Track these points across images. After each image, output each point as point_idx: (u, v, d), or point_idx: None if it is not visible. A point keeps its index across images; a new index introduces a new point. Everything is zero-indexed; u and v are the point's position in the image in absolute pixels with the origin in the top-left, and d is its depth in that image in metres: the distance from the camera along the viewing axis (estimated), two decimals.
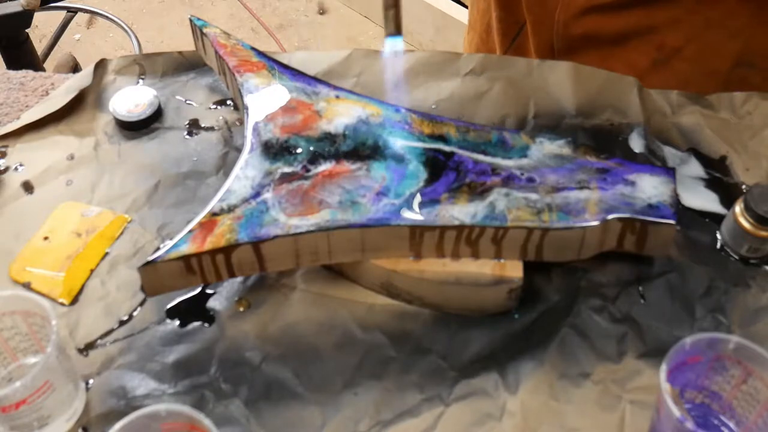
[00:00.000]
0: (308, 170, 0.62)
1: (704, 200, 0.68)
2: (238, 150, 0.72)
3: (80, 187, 0.71)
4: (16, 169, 0.72)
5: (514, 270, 0.60)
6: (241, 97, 0.68)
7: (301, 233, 0.58)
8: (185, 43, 1.70)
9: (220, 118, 0.76)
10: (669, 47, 0.79)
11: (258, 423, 0.56)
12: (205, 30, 0.74)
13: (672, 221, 0.59)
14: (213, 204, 0.59)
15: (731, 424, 0.54)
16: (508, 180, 0.62)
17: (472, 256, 0.60)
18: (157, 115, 0.76)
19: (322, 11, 2.35)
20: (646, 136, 0.73)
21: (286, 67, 0.71)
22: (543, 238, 0.59)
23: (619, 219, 0.59)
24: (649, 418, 0.54)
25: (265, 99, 0.67)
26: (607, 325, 0.61)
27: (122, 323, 0.62)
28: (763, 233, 0.62)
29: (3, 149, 0.74)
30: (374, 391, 0.58)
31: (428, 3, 2.07)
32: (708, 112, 0.75)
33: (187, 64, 0.81)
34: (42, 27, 2.17)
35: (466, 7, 1.03)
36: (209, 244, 0.57)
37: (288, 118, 0.66)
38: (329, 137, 0.64)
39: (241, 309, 0.62)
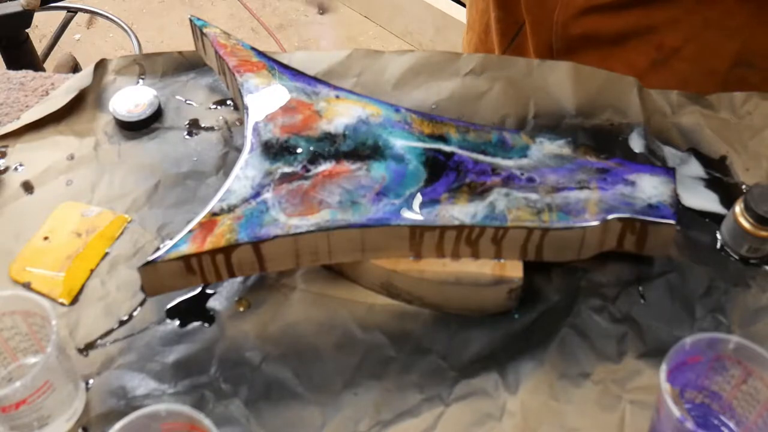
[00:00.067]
0: (308, 170, 0.62)
1: (704, 200, 0.68)
2: (238, 150, 0.72)
3: (80, 187, 0.71)
4: (16, 169, 0.72)
5: (514, 270, 0.60)
6: (241, 97, 0.68)
7: (301, 233, 0.58)
8: (185, 43, 1.70)
9: (220, 118, 0.76)
10: (668, 47, 0.79)
11: (258, 423, 0.56)
12: (205, 30, 0.74)
13: (672, 221, 0.59)
14: (213, 204, 0.59)
15: (731, 424, 0.54)
16: (508, 180, 0.62)
17: (472, 256, 0.60)
18: (157, 115, 0.76)
19: (322, 11, 2.35)
20: (646, 136, 0.73)
21: (286, 67, 0.71)
22: (543, 238, 0.59)
23: (619, 219, 0.59)
24: (649, 418, 0.54)
25: (265, 99, 0.67)
26: (607, 325, 0.61)
27: (122, 323, 0.62)
28: (763, 233, 0.62)
29: (3, 149, 0.74)
30: (374, 391, 0.58)
31: (428, 3, 2.07)
32: (708, 112, 0.75)
33: (187, 64, 0.81)
34: (42, 27, 2.17)
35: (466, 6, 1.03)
36: (209, 244, 0.57)
37: (288, 118, 0.66)
38: (329, 137, 0.64)
39: (241, 309, 0.62)
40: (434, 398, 0.57)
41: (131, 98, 0.76)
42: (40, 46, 1.63)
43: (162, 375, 0.59)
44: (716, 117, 0.74)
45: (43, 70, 1.50)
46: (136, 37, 1.77)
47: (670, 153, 0.72)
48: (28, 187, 0.71)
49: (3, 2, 1.30)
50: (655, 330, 0.60)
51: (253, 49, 0.73)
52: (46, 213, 0.68)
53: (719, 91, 0.76)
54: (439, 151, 0.64)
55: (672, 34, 0.79)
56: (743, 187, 0.69)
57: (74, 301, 0.63)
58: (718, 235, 0.66)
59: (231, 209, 0.59)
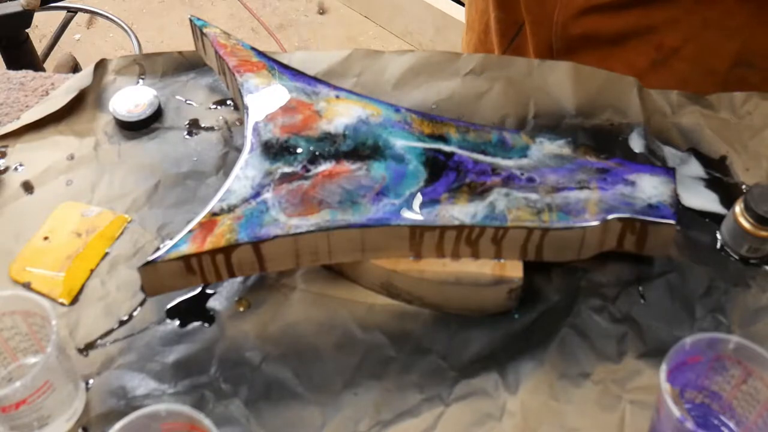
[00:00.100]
0: (308, 170, 0.62)
1: (704, 200, 0.68)
2: (238, 150, 0.72)
3: (80, 187, 0.71)
4: (16, 169, 0.72)
5: (514, 270, 0.60)
6: (241, 97, 0.68)
7: (301, 233, 0.58)
8: (185, 43, 1.70)
9: (220, 118, 0.76)
10: (668, 47, 0.79)
11: (258, 423, 0.56)
12: (205, 30, 0.74)
13: (672, 221, 0.59)
14: (213, 204, 0.59)
15: (731, 424, 0.54)
16: (508, 180, 0.62)
17: (472, 256, 0.60)
18: (157, 115, 0.76)
19: (322, 11, 2.35)
20: (646, 136, 0.73)
21: (286, 67, 0.71)
22: (543, 238, 0.59)
23: (619, 219, 0.59)
24: (649, 418, 0.54)
25: (265, 99, 0.67)
26: (607, 325, 0.61)
27: (122, 323, 0.62)
28: (763, 233, 0.62)
29: (3, 149, 0.74)
30: (374, 391, 0.58)
31: (428, 3, 2.07)
32: (708, 112, 0.75)
33: (187, 64, 0.81)
34: (42, 27, 2.17)
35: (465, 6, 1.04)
36: (209, 244, 0.57)
37: (288, 118, 0.66)
38: (329, 137, 0.64)
39: (241, 309, 0.62)
40: (434, 398, 0.57)
41: (131, 98, 0.76)
42: (40, 46, 1.63)
43: (162, 375, 0.59)
44: (716, 117, 0.74)
45: (43, 70, 1.50)
46: (136, 37, 1.77)
47: (670, 153, 0.72)
48: (28, 187, 0.71)
49: (3, 2, 1.30)
50: (655, 330, 0.60)
51: (253, 49, 0.73)
52: (46, 213, 0.68)
53: (719, 91, 0.76)
54: (439, 151, 0.64)
55: (672, 34, 0.79)
56: (743, 187, 0.69)
57: (74, 301, 0.63)
58: (718, 235, 0.66)
59: (231, 209, 0.59)
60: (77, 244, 0.66)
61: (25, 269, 0.65)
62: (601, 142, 0.73)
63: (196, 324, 0.62)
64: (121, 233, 0.67)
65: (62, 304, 0.63)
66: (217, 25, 0.76)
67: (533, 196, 0.60)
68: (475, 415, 0.56)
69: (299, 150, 0.63)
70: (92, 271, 0.65)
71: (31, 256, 0.65)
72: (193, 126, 0.76)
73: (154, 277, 0.57)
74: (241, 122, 0.75)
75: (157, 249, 0.59)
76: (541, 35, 0.85)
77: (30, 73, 0.84)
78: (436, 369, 0.59)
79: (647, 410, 0.55)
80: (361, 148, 0.64)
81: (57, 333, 0.52)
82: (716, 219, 0.67)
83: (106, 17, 1.88)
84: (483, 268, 0.60)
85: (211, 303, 0.63)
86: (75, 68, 1.63)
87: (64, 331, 0.61)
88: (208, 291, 0.63)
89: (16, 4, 1.27)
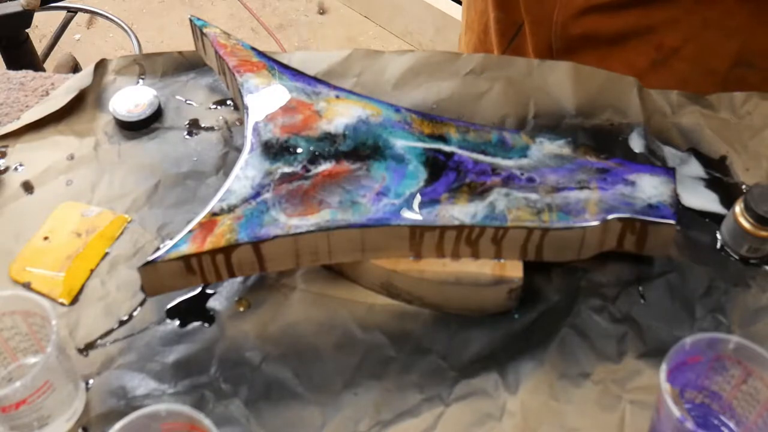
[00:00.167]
0: (308, 170, 0.62)
1: (704, 200, 0.68)
2: (238, 150, 0.72)
3: (80, 187, 0.71)
4: (16, 169, 0.72)
5: (514, 270, 0.60)
6: (241, 97, 0.68)
7: (301, 233, 0.58)
8: (185, 43, 1.70)
9: (220, 118, 0.76)
10: (667, 47, 0.79)
11: (258, 423, 0.56)
12: (205, 30, 0.74)
13: (672, 221, 0.59)
14: (213, 204, 0.59)
15: (731, 424, 0.54)
16: (508, 180, 0.62)
17: (472, 256, 0.60)
18: (157, 115, 0.76)
19: (322, 11, 2.35)
20: (646, 136, 0.73)
21: (286, 67, 0.71)
22: (543, 238, 0.59)
23: (619, 219, 0.59)
24: (649, 418, 0.54)
25: (265, 99, 0.67)
26: (607, 325, 0.61)
27: (122, 323, 0.62)
28: (763, 233, 0.62)
29: (3, 149, 0.74)
30: (374, 391, 0.58)
31: (428, 3, 2.07)
32: (708, 112, 0.75)
33: (187, 64, 0.81)
34: (42, 27, 2.17)
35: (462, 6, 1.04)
36: (209, 244, 0.57)
37: (288, 118, 0.66)
38: (329, 137, 0.64)
39: (241, 309, 0.62)
40: (434, 398, 0.57)
41: (131, 98, 0.76)
42: (40, 46, 1.63)
43: (162, 375, 0.59)
44: (716, 117, 0.74)
45: (43, 70, 1.50)
46: (136, 37, 1.77)
47: (670, 153, 0.72)
48: (28, 187, 0.71)
49: (3, 2, 1.30)
50: (655, 330, 0.60)
51: (253, 49, 0.73)
52: (46, 213, 0.68)
53: (719, 91, 0.76)
54: (439, 151, 0.64)
55: (671, 34, 0.79)
56: (743, 187, 0.69)
57: (74, 301, 0.63)
58: (718, 235, 0.66)
59: (231, 209, 0.59)
60: (77, 244, 0.66)
61: (25, 269, 0.65)
62: (601, 142, 0.73)
63: (196, 324, 0.62)
64: (121, 233, 0.67)
65: (62, 304, 0.63)
66: (217, 25, 0.76)
67: (533, 196, 0.60)
68: (475, 415, 0.56)
69: (299, 150, 0.63)
70: (92, 271, 0.65)
71: (31, 256, 0.65)
72: (193, 126, 0.76)
73: (154, 277, 0.57)
74: (241, 122, 0.75)
75: (157, 249, 0.59)
76: (540, 35, 0.85)
77: (30, 73, 0.84)
78: (436, 369, 0.59)
79: (647, 410, 0.55)
80: (361, 148, 0.64)
81: (57, 333, 0.52)
82: (716, 219, 0.67)
83: (106, 17, 1.88)
84: (483, 268, 0.60)
85: (211, 303, 0.63)
86: (75, 68, 1.63)
87: (64, 331, 0.61)
88: (208, 291, 0.63)
89: (16, 4, 1.27)
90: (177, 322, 0.62)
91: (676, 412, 0.47)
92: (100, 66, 0.80)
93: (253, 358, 0.59)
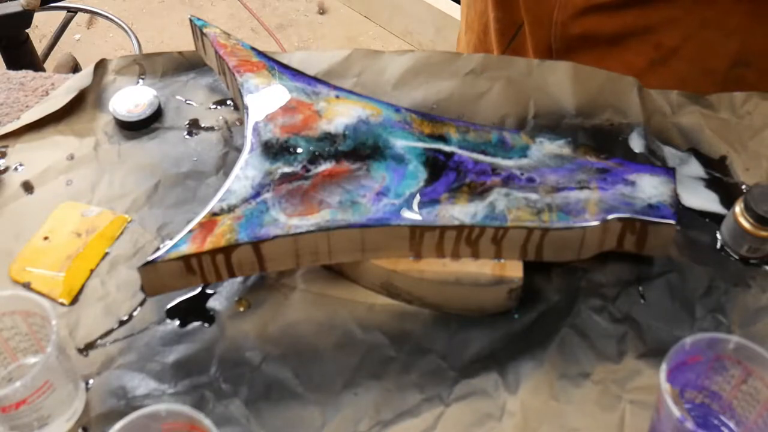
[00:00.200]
0: (308, 170, 0.62)
1: (704, 200, 0.68)
2: (238, 150, 0.72)
3: (80, 187, 0.71)
4: (16, 169, 0.72)
5: (514, 270, 0.60)
6: (241, 97, 0.68)
7: (301, 233, 0.58)
8: (185, 43, 1.70)
9: (220, 118, 0.76)
10: (666, 47, 0.79)
11: (258, 423, 0.56)
12: (205, 30, 0.74)
13: (672, 221, 0.59)
14: (213, 204, 0.59)
15: (731, 424, 0.54)
16: (508, 180, 0.62)
17: (472, 256, 0.60)
18: (157, 115, 0.76)
19: (322, 11, 2.35)
20: (646, 136, 0.73)
21: (286, 67, 0.71)
22: (543, 238, 0.59)
23: (619, 219, 0.59)
24: (649, 418, 0.54)
25: (265, 99, 0.67)
26: (607, 325, 0.61)
27: (122, 323, 0.62)
28: (763, 233, 0.62)
29: (3, 149, 0.74)
30: (374, 391, 0.58)
31: (428, 3, 2.07)
32: (708, 112, 0.75)
33: (187, 64, 0.81)
34: (42, 27, 2.17)
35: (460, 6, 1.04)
36: (209, 244, 0.57)
37: (288, 118, 0.66)
38: (329, 137, 0.64)
39: (241, 309, 0.62)
40: (434, 398, 0.57)
41: (131, 98, 0.76)
42: (40, 46, 1.63)
43: (162, 375, 0.59)
44: (716, 117, 0.74)
45: (43, 70, 1.50)
46: (136, 37, 1.77)
47: (670, 153, 0.72)
48: (28, 187, 0.71)
49: (3, 2, 1.30)
50: (655, 330, 0.60)
51: (253, 49, 0.73)
52: (46, 213, 0.68)
53: (718, 90, 0.76)
54: (439, 151, 0.64)
55: (670, 33, 0.79)
56: (743, 187, 0.69)
57: (74, 301, 0.63)
58: (718, 235, 0.66)
59: (231, 209, 0.59)
60: (77, 244, 0.66)
61: (25, 269, 0.65)
62: (601, 142, 0.73)
63: (196, 324, 0.62)
64: (121, 233, 0.67)
65: (62, 304, 0.63)
66: (217, 25, 0.76)
67: (533, 196, 0.60)
68: (475, 415, 0.56)
69: (299, 150, 0.63)
70: (92, 271, 0.65)
71: (31, 256, 0.65)
72: (193, 126, 0.76)
73: (154, 277, 0.57)
74: (241, 122, 0.75)
75: (157, 249, 0.59)
76: (540, 35, 0.85)
77: (30, 73, 0.84)
78: (436, 369, 0.59)
79: (647, 410, 0.55)
80: (361, 148, 0.64)
81: (57, 333, 0.52)
82: (716, 219, 0.67)
83: (106, 17, 1.88)
84: (483, 268, 0.60)
85: (211, 303, 0.63)
86: (75, 68, 1.63)
87: (64, 331, 0.61)
88: (208, 291, 0.63)
89: (16, 4, 1.27)
90: (177, 322, 0.62)
91: (676, 412, 0.47)
92: (100, 66, 0.80)
93: (253, 358, 0.59)
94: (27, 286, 0.64)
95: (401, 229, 0.59)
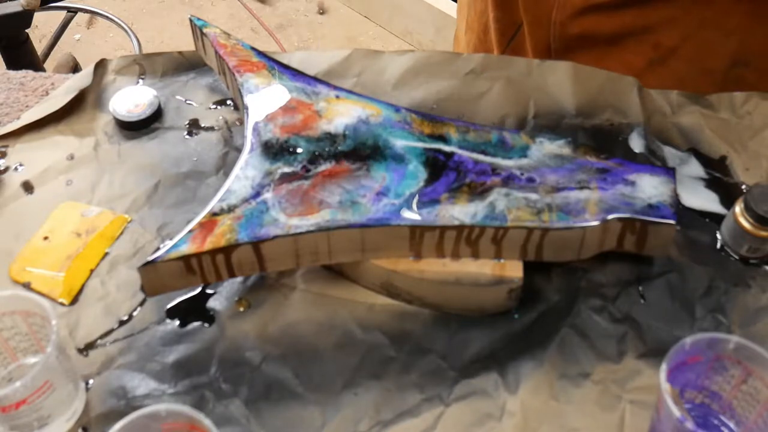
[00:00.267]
0: (308, 170, 0.62)
1: (704, 200, 0.68)
2: (238, 150, 0.72)
3: (80, 187, 0.71)
4: (16, 169, 0.72)
5: (514, 270, 0.60)
6: (241, 97, 0.68)
7: (301, 233, 0.58)
8: (185, 43, 1.70)
9: (220, 118, 0.76)
10: (665, 47, 0.80)
11: (258, 423, 0.56)
12: (205, 30, 0.74)
13: (672, 221, 0.59)
14: (213, 204, 0.59)
15: (731, 424, 0.54)
16: (508, 180, 0.62)
17: (472, 256, 0.60)
18: (157, 115, 0.76)
19: (322, 11, 2.35)
20: (646, 136, 0.73)
21: (286, 67, 0.71)
22: (543, 238, 0.59)
23: (619, 219, 0.59)
24: (649, 418, 0.54)
25: (265, 99, 0.67)
26: (607, 325, 0.61)
27: (122, 323, 0.62)
28: (763, 233, 0.62)
29: (3, 149, 0.74)
30: (374, 391, 0.58)
31: (428, 3, 2.07)
32: (708, 112, 0.75)
33: (187, 64, 0.81)
34: (42, 27, 2.17)
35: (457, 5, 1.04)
36: (209, 244, 0.57)
37: (288, 118, 0.66)
38: (329, 137, 0.64)
39: (241, 309, 0.62)
40: (434, 398, 0.57)
41: (131, 98, 0.76)
42: (40, 46, 1.63)
43: (162, 375, 0.59)
44: (716, 117, 0.74)
45: (43, 70, 1.50)
46: (136, 37, 1.77)
47: (670, 153, 0.72)
48: (28, 187, 0.71)
49: (3, 2, 1.30)
50: (655, 330, 0.60)
51: (253, 49, 0.73)
52: (46, 213, 0.68)
53: (717, 90, 0.76)
54: (439, 151, 0.64)
55: (669, 33, 0.79)
56: (743, 187, 0.69)
57: (74, 301, 0.63)
58: (718, 235, 0.66)
59: (231, 209, 0.59)
60: (77, 244, 0.66)
61: (25, 269, 0.65)
62: (601, 142, 0.73)
63: (196, 324, 0.62)
64: (121, 233, 0.67)
65: (62, 304, 0.63)
66: (217, 25, 0.76)
67: (533, 196, 0.60)
68: (475, 415, 0.56)
69: (299, 150, 0.63)
70: (92, 271, 0.65)
71: (31, 256, 0.65)
72: (193, 126, 0.76)
73: (154, 277, 0.57)
74: (241, 122, 0.75)
75: (157, 249, 0.59)
76: (539, 35, 0.85)
77: (30, 73, 0.84)
78: (436, 369, 0.59)
79: (647, 410, 0.55)
80: (361, 148, 0.64)
81: (57, 333, 0.52)
82: (716, 219, 0.67)
83: (106, 17, 1.89)
84: (483, 268, 0.60)
85: (211, 303, 0.63)
86: (75, 68, 1.63)
87: (64, 331, 0.61)
88: (208, 291, 0.63)
89: (16, 4, 1.27)
90: (177, 322, 0.62)
91: (676, 412, 0.47)
92: (100, 66, 0.80)
93: (253, 358, 0.59)
94: (27, 286, 0.64)
95: (401, 229, 0.59)
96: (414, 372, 0.59)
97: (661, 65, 0.80)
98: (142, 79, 0.80)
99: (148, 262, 0.56)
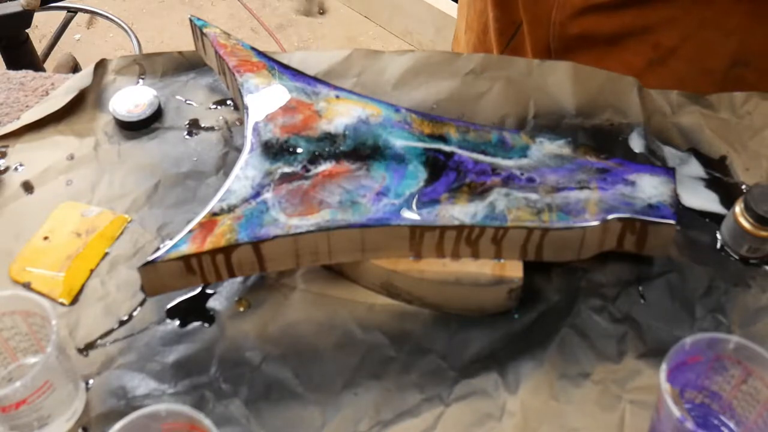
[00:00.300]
0: (308, 170, 0.62)
1: (704, 200, 0.68)
2: (238, 150, 0.72)
3: (80, 187, 0.71)
4: (16, 169, 0.72)
5: (514, 270, 0.60)
6: (241, 97, 0.68)
7: (301, 233, 0.58)
8: (185, 43, 1.70)
9: (220, 118, 0.76)
10: (665, 47, 0.80)
11: (258, 423, 0.56)
12: (205, 30, 0.74)
13: (672, 221, 0.59)
14: (213, 204, 0.59)
15: (731, 424, 0.54)
16: (508, 180, 0.62)
17: (472, 256, 0.60)
18: (157, 115, 0.76)
19: (322, 11, 2.35)
20: (646, 136, 0.73)
21: (286, 67, 0.71)
22: (543, 238, 0.59)
23: (619, 219, 0.59)
24: (649, 418, 0.54)
25: (265, 99, 0.67)
26: (607, 325, 0.61)
27: (122, 323, 0.62)
28: (763, 233, 0.62)
29: (3, 149, 0.74)
30: (374, 391, 0.58)
31: (428, 3, 2.07)
32: (708, 112, 0.75)
33: (187, 64, 0.81)
34: (42, 27, 2.17)
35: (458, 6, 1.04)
36: (209, 244, 0.57)
37: (288, 118, 0.66)
38: (329, 137, 0.64)
39: (241, 309, 0.62)
40: (434, 398, 0.57)
41: (131, 98, 0.76)
42: (40, 46, 1.63)
43: (162, 375, 0.59)
44: (716, 117, 0.74)
45: (43, 70, 1.50)
46: (136, 37, 1.77)
47: (670, 153, 0.72)
48: (28, 187, 0.71)
49: (3, 2, 1.30)
50: (655, 330, 0.60)
51: (253, 49, 0.73)
52: (46, 213, 0.68)
53: (717, 90, 0.76)
54: (439, 151, 0.64)
55: (669, 33, 0.79)
56: (743, 187, 0.69)
57: (74, 301, 0.63)
58: (718, 235, 0.66)
59: (231, 209, 0.59)
60: (77, 244, 0.66)
61: (25, 269, 0.65)
62: (601, 142, 0.73)
63: (196, 324, 0.62)
64: (121, 233, 0.67)
65: (62, 304, 0.63)
66: (217, 25, 0.76)
67: (533, 196, 0.60)
68: (475, 415, 0.56)
69: (299, 150, 0.63)
70: (92, 271, 0.65)
71: (31, 256, 0.65)
72: (193, 126, 0.76)
73: (154, 277, 0.57)
74: (241, 122, 0.75)
75: (157, 249, 0.59)
76: (538, 35, 0.85)
77: (30, 73, 0.84)
78: (436, 369, 0.59)
79: (647, 410, 0.55)
80: (361, 148, 0.64)
81: (57, 333, 0.52)
82: (716, 219, 0.67)
83: (106, 17, 1.89)
84: (483, 268, 0.60)
85: (211, 303, 0.63)
86: (75, 68, 1.63)
87: (64, 331, 0.61)
88: (208, 291, 0.63)
89: (16, 4, 1.27)
90: (177, 322, 0.62)
91: (676, 412, 0.47)
92: (100, 66, 0.80)
93: (253, 358, 0.59)
94: (27, 286, 0.64)
95: (401, 229, 0.59)
96: (414, 372, 0.59)
97: (661, 65, 0.80)
98: (142, 79, 0.80)
99: (148, 262, 0.56)
